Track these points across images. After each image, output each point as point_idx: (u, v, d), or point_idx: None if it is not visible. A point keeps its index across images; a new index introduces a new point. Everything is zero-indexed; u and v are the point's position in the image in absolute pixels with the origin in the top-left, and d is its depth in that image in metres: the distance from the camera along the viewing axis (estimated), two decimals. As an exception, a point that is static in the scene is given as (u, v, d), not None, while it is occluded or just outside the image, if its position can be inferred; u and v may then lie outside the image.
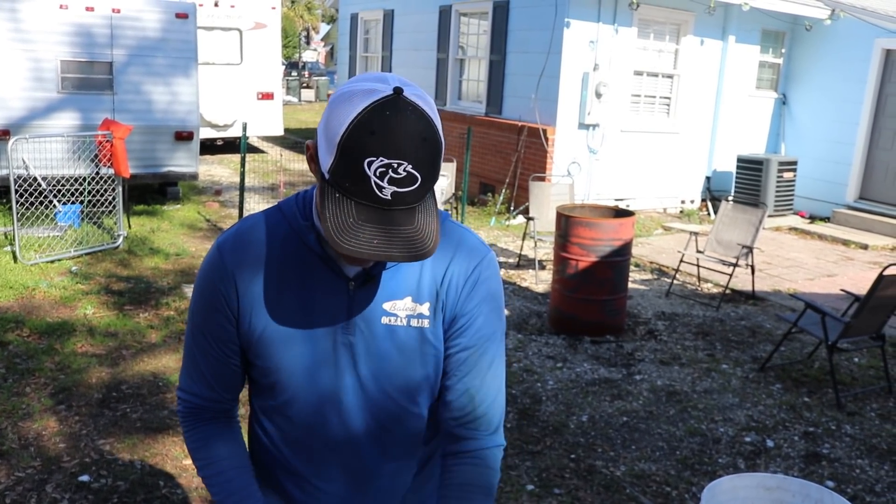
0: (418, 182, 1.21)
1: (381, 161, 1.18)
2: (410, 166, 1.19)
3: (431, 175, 1.23)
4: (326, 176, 1.23)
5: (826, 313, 5.16)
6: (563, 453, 4.27)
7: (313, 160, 1.30)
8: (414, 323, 1.42)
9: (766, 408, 4.99)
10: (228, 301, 1.41)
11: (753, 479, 1.66)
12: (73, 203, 8.34)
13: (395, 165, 1.19)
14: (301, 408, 1.45)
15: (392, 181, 1.19)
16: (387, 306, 1.41)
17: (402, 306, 1.41)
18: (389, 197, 1.20)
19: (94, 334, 5.52)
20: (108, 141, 7.77)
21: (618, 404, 4.94)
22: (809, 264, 8.91)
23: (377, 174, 1.19)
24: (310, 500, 1.53)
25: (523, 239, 8.39)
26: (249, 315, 1.41)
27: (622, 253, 6.00)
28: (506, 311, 6.66)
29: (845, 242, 10.06)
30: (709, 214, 11.46)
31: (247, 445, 1.60)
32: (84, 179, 8.21)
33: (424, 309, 1.42)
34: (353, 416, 1.45)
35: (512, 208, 10.70)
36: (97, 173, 8.07)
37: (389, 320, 1.41)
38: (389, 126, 1.18)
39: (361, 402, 1.44)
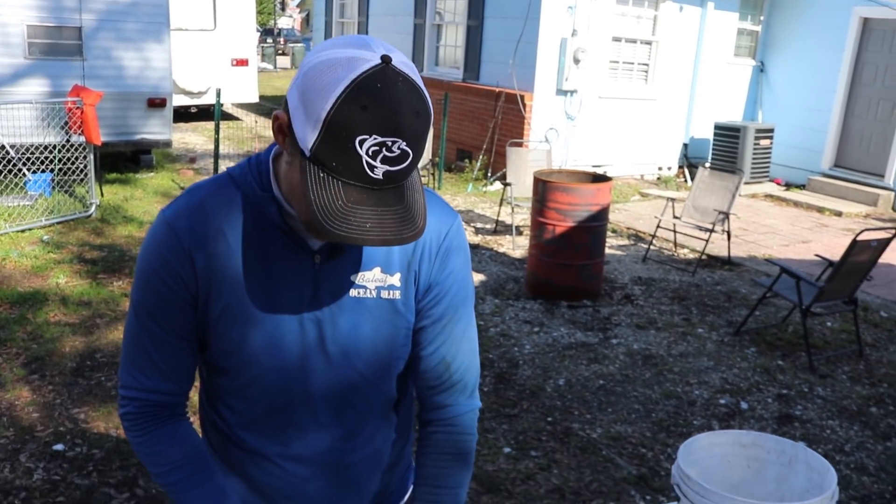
0: (409, 159, 1.13)
1: (375, 139, 1.09)
2: (405, 143, 1.11)
3: (421, 150, 1.16)
4: (308, 153, 1.12)
5: (801, 278, 5.20)
6: (540, 416, 4.30)
7: (283, 132, 1.17)
8: (384, 295, 1.34)
9: (740, 371, 5.04)
10: (185, 281, 1.29)
11: (729, 436, 1.66)
12: (43, 171, 8.19)
13: (390, 143, 1.09)
14: (264, 388, 1.37)
15: (385, 160, 1.10)
16: (355, 278, 1.33)
17: (370, 277, 1.33)
18: (381, 177, 1.11)
19: (67, 303, 5.45)
20: (78, 108, 7.61)
21: (594, 368, 4.96)
22: (784, 231, 8.97)
23: (370, 153, 1.09)
24: (274, 482, 1.44)
25: (500, 205, 8.37)
26: (207, 295, 1.30)
27: (599, 218, 6.00)
28: (482, 277, 6.67)
29: (820, 209, 10.13)
30: (686, 181, 11.50)
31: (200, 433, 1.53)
32: (54, 147, 8.06)
33: (395, 280, 1.35)
34: (319, 394, 1.37)
35: (489, 174, 10.66)
36: (68, 141, 7.92)
37: (358, 293, 1.33)
38: (382, 101, 1.08)
39: (329, 379, 1.36)
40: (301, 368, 1.35)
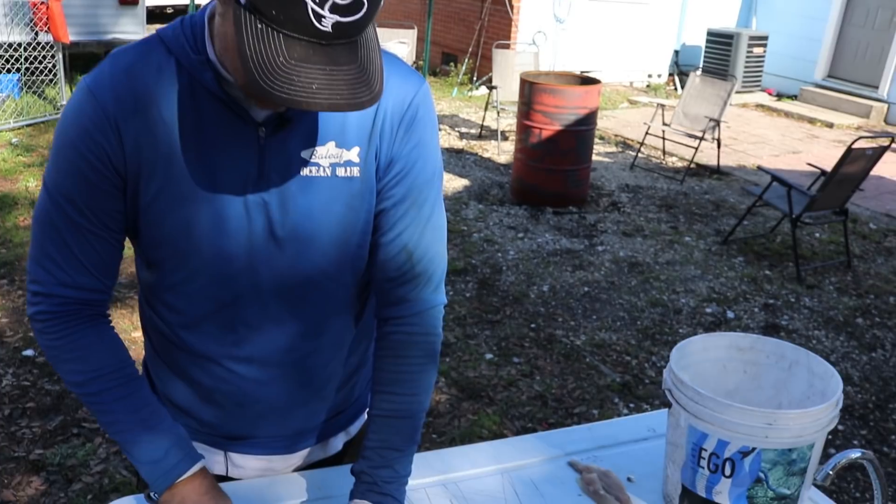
0: (364, 9, 0.94)
1: None
2: None
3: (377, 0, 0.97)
4: (242, 0, 0.95)
5: (792, 186, 5.08)
6: (522, 323, 4.23)
7: None
8: (340, 172, 1.17)
9: (727, 280, 4.97)
10: (112, 159, 1.10)
11: (725, 338, 1.54)
12: (10, 72, 7.85)
13: None
14: (206, 283, 1.20)
15: (335, 8, 0.92)
16: (306, 154, 1.15)
17: (324, 153, 1.15)
18: (330, 29, 0.93)
19: (35, 206, 5.28)
20: (43, 3, 7.24)
21: (579, 275, 4.88)
22: (775, 141, 8.82)
23: (316, 0, 0.91)
24: (224, 387, 1.29)
25: (485, 109, 8.18)
26: (137, 175, 1.12)
27: (587, 122, 5.83)
28: (466, 182, 6.53)
29: (811, 120, 9.96)
30: (676, 89, 11.25)
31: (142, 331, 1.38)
32: (20, 45, 7.70)
33: (353, 155, 1.17)
34: (270, 287, 1.21)
35: (475, 79, 10.43)
36: (35, 39, 7.56)
37: (310, 171, 1.15)
38: None
39: (281, 270, 1.20)
40: (248, 259, 1.19)
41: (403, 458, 1.29)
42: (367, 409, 1.41)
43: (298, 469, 1.44)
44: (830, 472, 1.23)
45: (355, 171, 1.18)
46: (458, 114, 9.06)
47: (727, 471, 1.31)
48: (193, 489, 1.24)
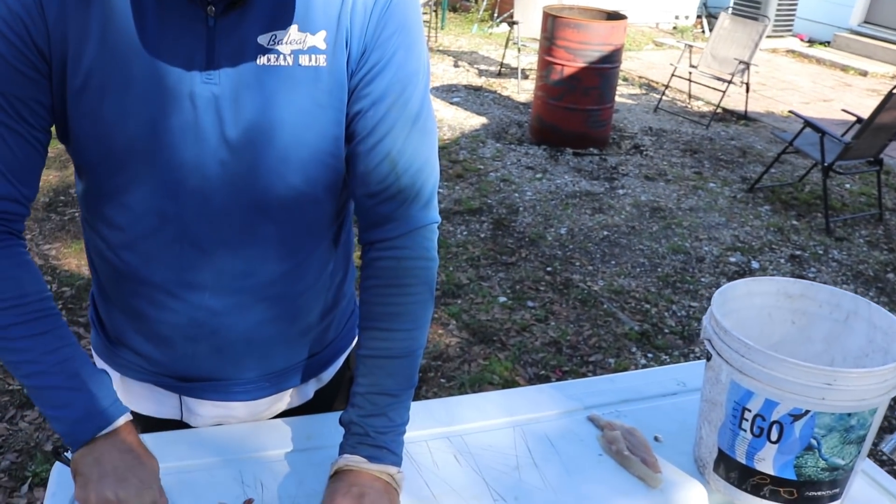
0: None
1: None
2: None
3: None
4: None
5: (826, 132, 4.84)
6: (538, 266, 4.09)
7: None
8: (304, 61, 0.98)
9: (752, 229, 4.77)
10: (32, 32, 0.92)
11: (773, 283, 1.36)
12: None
13: None
14: (147, 193, 1.02)
15: None
16: (263, 40, 0.97)
17: (284, 39, 0.97)
18: None
19: (38, 131, 5.14)
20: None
21: (599, 218, 4.71)
22: (805, 88, 8.51)
23: None
24: (173, 318, 1.12)
25: (506, 47, 7.94)
26: (64, 54, 0.94)
27: (612, 60, 5.59)
28: (484, 119, 6.33)
29: (844, 68, 9.60)
30: (703, 32, 10.88)
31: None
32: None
33: (318, 40, 0.98)
34: (221, 202, 1.03)
35: (496, 15, 10.19)
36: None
37: (268, 59, 0.97)
38: None
39: (234, 180, 1.02)
40: (196, 164, 1.00)
41: (399, 404, 1.11)
42: (352, 350, 1.23)
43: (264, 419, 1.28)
44: (900, 443, 1.06)
45: (321, 60, 0.98)
46: (478, 51, 8.85)
47: (773, 435, 1.14)
48: (114, 446, 1.04)
